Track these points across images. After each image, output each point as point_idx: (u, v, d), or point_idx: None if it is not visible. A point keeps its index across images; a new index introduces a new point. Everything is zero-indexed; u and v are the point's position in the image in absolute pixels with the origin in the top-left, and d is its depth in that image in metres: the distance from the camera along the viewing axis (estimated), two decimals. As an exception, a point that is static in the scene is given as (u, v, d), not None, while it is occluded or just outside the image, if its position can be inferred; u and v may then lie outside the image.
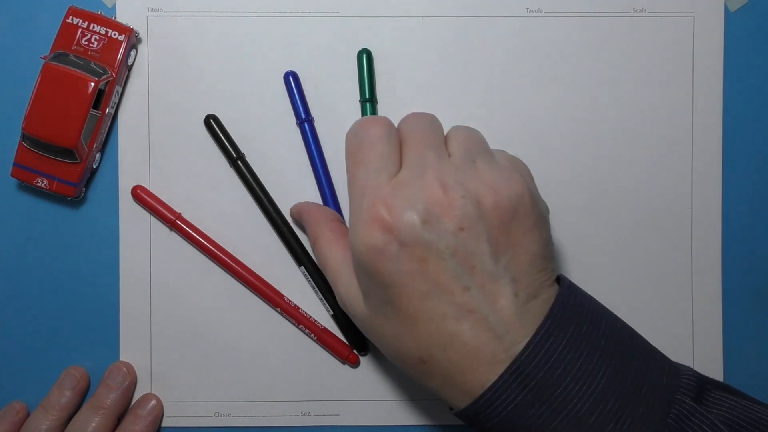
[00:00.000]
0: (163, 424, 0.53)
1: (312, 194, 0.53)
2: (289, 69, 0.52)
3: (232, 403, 0.53)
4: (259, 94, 0.52)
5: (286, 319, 0.52)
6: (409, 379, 0.53)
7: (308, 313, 0.52)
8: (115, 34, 0.50)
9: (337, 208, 0.52)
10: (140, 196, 0.52)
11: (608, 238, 0.53)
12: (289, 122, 0.53)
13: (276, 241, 0.53)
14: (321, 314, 0.53)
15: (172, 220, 0.51)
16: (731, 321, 0.53)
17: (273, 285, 0.52)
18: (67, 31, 0.50)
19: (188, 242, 0.52)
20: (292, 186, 0.53)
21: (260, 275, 0.52)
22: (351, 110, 0.53)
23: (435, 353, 0.40)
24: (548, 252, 0.42)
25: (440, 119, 0.50)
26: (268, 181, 0.52)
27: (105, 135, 0.52)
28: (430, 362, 0.41)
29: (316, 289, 0.52)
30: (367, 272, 0.41)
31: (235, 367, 0.53)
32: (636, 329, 0.53)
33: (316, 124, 0.52)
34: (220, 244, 0.52)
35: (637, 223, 0.53)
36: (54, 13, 0.51)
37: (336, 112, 0.53)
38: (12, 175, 0.51)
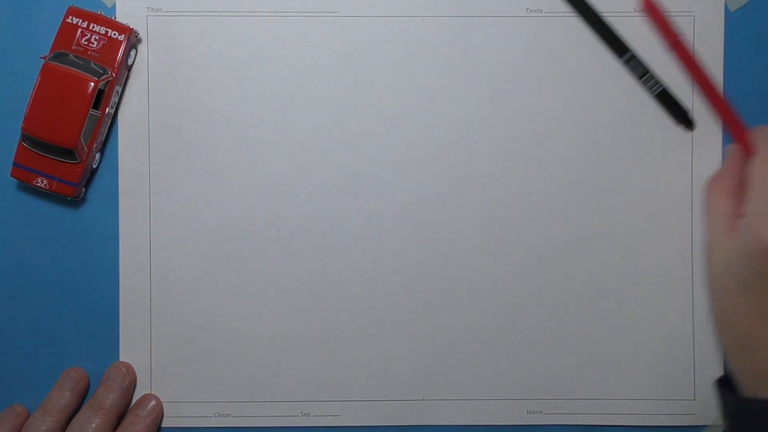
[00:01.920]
0: (163, 424, 0.53)
1: (303, 189, 0.53)
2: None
3: (232, 403, 0.53)
4: (259, 94, 0.52)
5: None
6: (409, 379, 0.53)
7: None
8: (115, 34, 0.50)
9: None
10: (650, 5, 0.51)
11: (608, 238, 0.53)
12: (288, 122, 0.53)
13: (277, 233, 0.53)
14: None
15: (674, 41, 0.51)
16: (731, 321, 0.53)
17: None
18: (67, 31, 0.50)
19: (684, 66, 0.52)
20: (292, 183, 0.53)
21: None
22: (351, 107, 0.53)
23: None
24: None
25: (440, 119, 0.50)
26: (266, 179, 0.52)
27: (105, 135, 0.52)
28: (757, 353, 0.44)
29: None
30: (759, 267, 0.44)
31: (235, 367, 0.53)
32: (636, 329, 0.53)
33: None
34: (220, 244, 0.52)
35: (637, 223, 0.53)
36: (54, 13, 0.51)
37: (336, 111, 0.53)
38: (12, 175, 0.51)
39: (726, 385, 0.49)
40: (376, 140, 0.53)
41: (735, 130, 0.50)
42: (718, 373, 0.53)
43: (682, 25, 0.53)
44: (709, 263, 0.48)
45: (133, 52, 0.52)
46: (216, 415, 0.53)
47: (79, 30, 0.50)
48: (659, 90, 0.52)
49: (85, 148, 0.50)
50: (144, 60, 0.52)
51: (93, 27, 0.50)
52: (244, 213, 0.53)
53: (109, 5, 0.52)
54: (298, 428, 0.53)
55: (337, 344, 0.53)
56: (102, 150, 0.52)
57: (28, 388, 0.53)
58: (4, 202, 0.53)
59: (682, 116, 0.52)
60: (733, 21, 0.53)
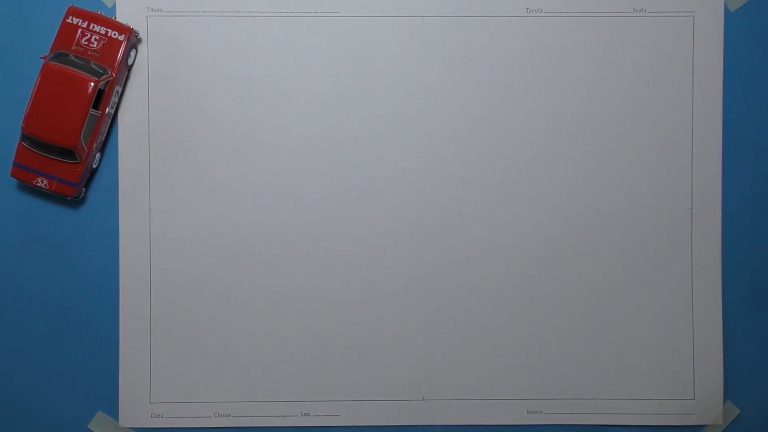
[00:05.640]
0: (164, 425, 0.53)
1: (303, 189, 0.53)
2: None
3: (232, 403, 0.53)
4: (258, 93, 0.52)
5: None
6: (409, 379, 0.53)
7: None
8: (115, 34, 0.50)
9: None
10: None
11: (608, 237, 0.53)
12: (287, 122, 0.53)
13: (277, 233, 0.53)
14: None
15: None
16: (731, 321, 0.53)
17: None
18: (67, 31, 0.50)
19: None
20: (292, 182, 0.53)
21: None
22: (350, 106, 0.53)
23: None
24: None
25: (441, 118, 0.50)
26: (266, 179, 0.52)
27: (105, 135, 0.52)
28: None
29: None
30: None
31: (235, 367, 0.53)
32: (636, 329, 0.53)
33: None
34: (219, 243, 0.52)
35: (637, 223, 0.53)
36: (54, 13, 0.51)
37: (335, 110, 0.53)
38: (12, 175, 0.51)
39: None
40: (375, 139, 0.53)
41: None
42: (718, 373, 0.53)
43: (682, 25, 0.53)
44: None
45: (133, 52, 0.52)
46: (216, 415, 0.53)
47: (79, 30, 0.50)
48: None
49: (85, 148, 0.50)
50: (144, 60, 0.52)
51: (93, 27, 0.50)
52: (244, 213, 0.53)
53: (109, 5, 0.52)
54: (298, 428, 0.53)
55: (337, 344, 0.53)
56: (102, 150, 0.52)
57: (29, 388, 0.53)
58: (4, 202, 0.53)
59: None
60: (733, 21, 0.53)
